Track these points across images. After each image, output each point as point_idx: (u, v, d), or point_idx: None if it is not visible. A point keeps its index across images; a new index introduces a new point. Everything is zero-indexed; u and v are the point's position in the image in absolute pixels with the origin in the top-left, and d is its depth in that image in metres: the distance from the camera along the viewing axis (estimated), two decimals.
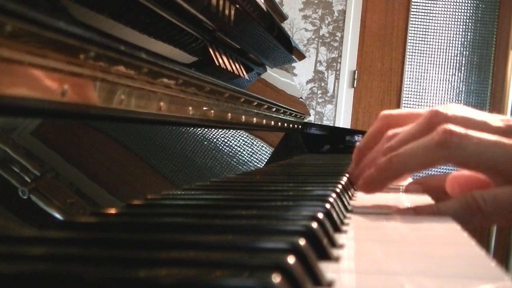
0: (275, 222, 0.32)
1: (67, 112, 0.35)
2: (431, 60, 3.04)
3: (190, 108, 0.54)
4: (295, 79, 3.01)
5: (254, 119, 0.79)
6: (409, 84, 3.06)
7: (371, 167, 0.48)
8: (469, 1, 2.99)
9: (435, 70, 3.03)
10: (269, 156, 0.84)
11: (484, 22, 2.98)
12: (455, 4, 3.00)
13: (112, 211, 0.35)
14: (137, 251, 0.24)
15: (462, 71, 3.00)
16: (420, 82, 3.05)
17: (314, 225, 0.28)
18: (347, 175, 0.58)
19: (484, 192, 0.41)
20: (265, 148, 0.86)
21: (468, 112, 0.46)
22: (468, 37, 3.00)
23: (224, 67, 0.66)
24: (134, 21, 0.45)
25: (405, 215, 0.43)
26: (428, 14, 3.04)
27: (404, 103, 3.06)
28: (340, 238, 0.32)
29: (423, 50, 3.04)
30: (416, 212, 0.43)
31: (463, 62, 3.00)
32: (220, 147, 0.67)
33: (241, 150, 0.73)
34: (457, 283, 0.24)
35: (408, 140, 0.45)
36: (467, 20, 3.00)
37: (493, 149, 0.42)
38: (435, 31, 3.03)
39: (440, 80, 3.03)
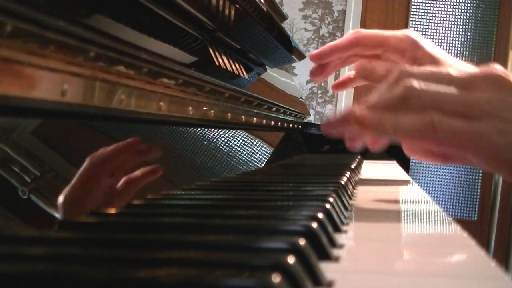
0: (275, 222, 0.32)
1: (67, 112, 0.35)
2: None
3: (190, 108, 0.54)
4: (295, 79, 3.01)
5: (254, 119, 0.79)
6: None
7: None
8: (469, 1, 2.99)
9: None
10: (269, 156, 0.84)
11: (484, 22, 2.98)
12: (455, 4, 3.00)
13: (112, 211, 0.35)
14: (137, 251, 0.24)
15: None
16: None
17: (314, 225, 0.28)
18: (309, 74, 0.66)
19: (443, 116, 0.43)
20: (265, 148, 0.86)
21: (437, 58, 0.52)
22: (468, 37, 3.00)
23: (224, 67, 0.66)
24: (134, 21, 0.45)
25: (369, 124, 0.45)
26: (428, 14, 3.04)
27: None
28: (340, 238, 0.32)
29: None
30: (380, 122, 0.45)
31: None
32: (220, 147, 0.67)
33: (241, 150, 0.73)
34: (457, 283, 0.24)
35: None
36: (467, 20, 3.00)
37: (450, 98, 0.44)
38: (435, 31, 3.03)
39: None
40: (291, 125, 1.08)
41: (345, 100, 3.08)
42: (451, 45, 3.01)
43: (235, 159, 0.68)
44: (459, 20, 3.01)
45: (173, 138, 0.55)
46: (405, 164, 1.09)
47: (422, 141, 0.46)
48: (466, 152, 0.43)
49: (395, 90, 0.46)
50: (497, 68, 0.46)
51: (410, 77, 0.45)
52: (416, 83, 0.45)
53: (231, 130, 0.72)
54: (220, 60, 0.65)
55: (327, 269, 0.25)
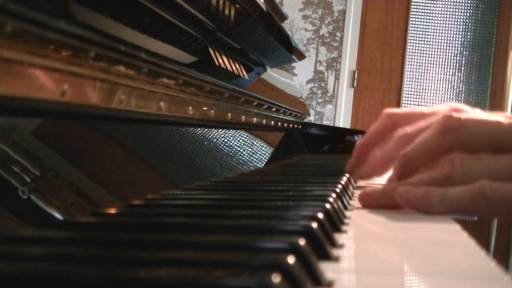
0: (275, 222, 0.32)
1: (67, 112, 0.35)
2: (431, 60, 3.04)
3: (190, 108, 0.54)
4: (295, 79, 3.01)
5: (254, 119, 0.79)
6: (409, 84, 3.06)
7: (376, 165, 0.50)
8: (469, 1, 2.99)
9: (435, 70, 3.03)
10: (269, 156, 0.84)
11: (484, 22, 2.98)
12: (455, 4, 3.00)
13: (112, 211, 0.35)
14: (137, 251, 0.24)
15: (462, 71, 3.00)
16: (420, 82, 3.05)
17: (314, 225, 0.28)
18: (346, 169, 0.59)
19: (493, 182, 0.41)
20: (265, 148, 0.86)
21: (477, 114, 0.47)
22: (468, 37, 3.00)
23: (224, 67, 0.66)
24: (134, 21, 0.45)
25: (413, 199, 0.43)
26: (428, 14, 3.04)
27: (404, 103, 3.06)
28: (340, 238, 0.32)
29: (423, 50, 3.04)
30: (425, 196, 0.43)
31: (463, 62, 3.00)
32: (220, 147, 0.67)
33: (241, 150, 0.73)
34: (457, 283, 0.24)
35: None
36: (467, 20, 3.00)
37: (494, 127, 0.43)
38: (435, 31, 3.03)
39: (440, 80, 3.03)
40: (291, 125, 1.08)
41: (345, 100, 3.08)
42: (451, 45, 3.01)
43: (235, 159, 0.68)
44: (459, 20, 3.01)
45: (173, 138, 0.55)
46: None
47: (470, 211, 0.42)
48: None
49: (432, 128, 0.44)
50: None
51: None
52: (454, 114, 0.43)
53: (231, 130, 0.72)
54: (220, 60, 0.65)
55: (327, 269, 0.25)
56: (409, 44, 3.04)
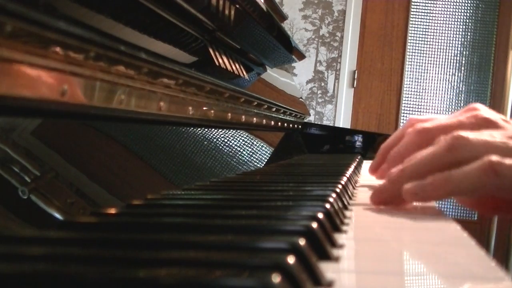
0: (275, 222, 0.32)
1: (67, 112, 0.35)
2: (431, 60, 3.04)
3: (190, 108, 0.54)
4: (295, 79, 3.01)
5: (254, 119, 0.79)
6: (409, 84, 3.06)
7: (394, 160, 0.51)
8: (469, 1, 2.99)
9: (435, 70, 3.03)
10: (269, 156, 0.84)
11: (484, 22, 2.98)
12: (455, 4, 3.00)
13: (112, 211, 0.35)
14: (137, 251, 0.24)
15: (462, 71, 3.00)
16: (420, 82, 3.05)
17: (314, 225, 0.28)
18: (369, 169, 0.61)
19: (503, 158, 0.40)
20: (265, 148, 0.86)
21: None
22: (468, 37, 3.00)
23: (224, 67, 0.66)
24: (134, 21, 0.45)
25: (420, 191, 0.43)
26: (428, 14, 3.04)
27: (404, 103, 3.06)
28: (340, 238, 0.32)
29: (423, 50, 3.04)
30: (431, 184, 0.42)
31: (463, 62, 3.00)
32: (220, 147, 0.67)
33: (241, 150, 0.73)
34: (457, 283, 0.24)
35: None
36: (467, 20, 3.00)
37: (502, 147, 0.42)
38: (435, 31, 3.03)
39: (440, 80, 3.03)
40: (291, 125, 1.08)
41: (345, 100, 3.08)
42: (451, 45, 3.01)
43: (235, 159, 0.68)
44: (459, 20, 3.01)
45: (173, 138, 0.55)
46: None
47: (479, 190, 0.41)
48: None
49: (440, 143, 0.44)
50: (478, 105, 0.46)
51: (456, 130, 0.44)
52: (463, 132, 0.43)
53: (231, 130, 0.72)
54: (220, 60, 0.65)
55: (327, 269, 0.25)
56: (409, 44, 3.04)
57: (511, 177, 0.39)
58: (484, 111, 0.49)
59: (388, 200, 0.47)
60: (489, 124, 0.47)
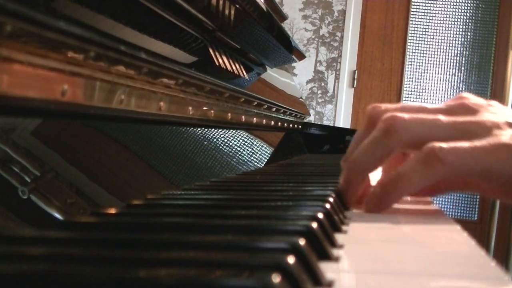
0: (275, 222, 0.32)
1: (67, 112, 0.35)
2: (431, 60, 3.04)
3: (190, 108, 0.54)
4: (295, 79, 3.01)
5: (254, 119, 0.79)
6: (409, 84, 3.06)
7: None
8: (469, 1, 2.99)
9: (435, 70, 3.03)
10: (269, 156, 0.84)
11: (484, 22, 2.98)
12: (455, 4, 3.00)
13: (112, 211, 0.35)
14: (137, 251, 0.24)
15: (462, 71, 3.00)
16: (420, 82, 3.05)
17: (314, 225, 0.28)
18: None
19: (442, 143, 0.40)
20: (265, 148, 0.86)
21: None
22: (468, 37, 3.00)
23: (224, 67, 0.66)
24: (134, 21, 0.45)
25: (373, 200, 0.43)
26: (428, 14, 3.04)
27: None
28: (340, 238, 0.32)
29: (423, 50, 3.04)
30: (382, 190, 0.43)
31: (463, 62, 3.00)
32: (220, 147, 0.67)
33: (241, 150, 0.73)
34: (457, 283, 0.24)
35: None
36: (467, 20, 3.00)
37: (437, 123, 0.42)
38: (435, 31, 3.03)
39: (440, 80, 3.03)
40: (291, 125, 1.08)
41: (345, 100, 3.08)
42: (451, 45, 3.01)
43: (235, 159, 0.68)
44: (459, 20, 3.01)
45: (173, 138, 0.55)
46: None
47: (432, 181, 0.41)
48: (474, 174, 0.40)
49: (378, 126, 0.43)
50: (467, 95, 0.46)
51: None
52: (398, 114, 0.43)
53: (231, 130, 0.72)
54: (220, 60, 0.65)
55: (327, 269, 0.25)
56: (409, 44, 3.04)
57: (455, 160, 0.40)
58: (470, 99, 0.47)
59: (352, 200, 0.46)
60: (458, 107, 0.46)
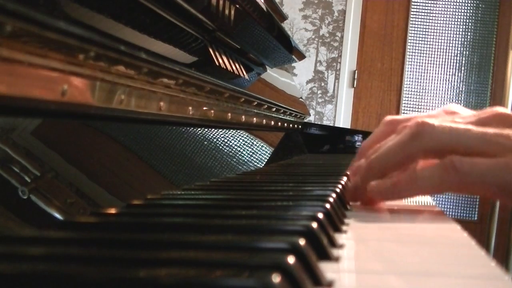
0: (275, 222, 0.32)
1: (67, 112, 0.35)
2: (431, 60, 3.04)
3: (190, 108, 0.54)
4: (295, 79, 3.01)
5: (254, 119, 0.79)
6: (409, 84, 3.06)
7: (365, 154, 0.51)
8: (469, 1, 2.99)
9: (435, 70, 3.03)
10: (269, 156, 0.84)
11: (484, 22, 2.98)
12: (455, 4, 3.00)
13: (112, 211, 0.35)
14: (137, 251, 0.24)
15: (462, 71, 3.00)
16: (420, 82, 3.05)
17: (314, 225, 0.28)
18: (347, 174, 0.59)
19: (463, 157, 0.41)
20: (265, 148, 0.86)
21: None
22: (468, 37, 3.00)
23: (224, 67, 0.66)
24: (134, 21, 0.45)
25: (384, 190, 0.44)
26: (428, 14, 3.04)
27: (404, 103, 3.06)
28: (340, 238, 0.32)
29: (423, 50, 3.04)
30: (396, 183, 0.43)
31: (463, 62, 3.00)
32: (220, 147, 0.67)
33: (241, 150, 0.73)
34: (457, 283, 0.24)
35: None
36: (467, 20, 3.00)
37: (465, 134, 0.43)
38: (435, 31, 3.03)
39: (440, 80, 3.03)
40: (291, 125, 1.08)
41: (345, 100, 3.08)
42: (451, 45, 3.01)
43: (235, 159, 0.68)
44: (459, 20, 3.01)
45: (173, 138, 0.55)
46: None
47: (443, 189, 0.43)
48: (490, 189, 0.41)
49: (405, 130, 0.44)
50: (501, 108, 0.46)
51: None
52: (427, 118, 0.44)
53: (231, 130, 0.72)
54: (220, 60, 0.65)
55: (327, 269, 0.25)
56: (409, 44, 3.04)
57: (471, 173, 0.40)
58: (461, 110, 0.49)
59: (360, 197, 0.47)
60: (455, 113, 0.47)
